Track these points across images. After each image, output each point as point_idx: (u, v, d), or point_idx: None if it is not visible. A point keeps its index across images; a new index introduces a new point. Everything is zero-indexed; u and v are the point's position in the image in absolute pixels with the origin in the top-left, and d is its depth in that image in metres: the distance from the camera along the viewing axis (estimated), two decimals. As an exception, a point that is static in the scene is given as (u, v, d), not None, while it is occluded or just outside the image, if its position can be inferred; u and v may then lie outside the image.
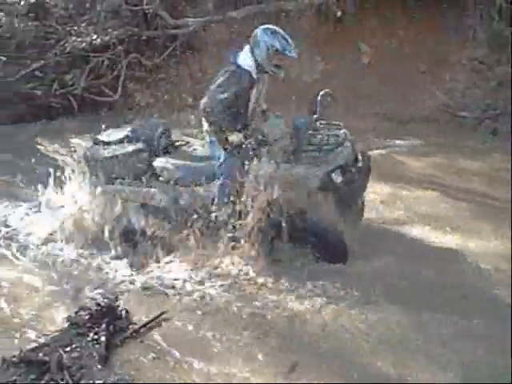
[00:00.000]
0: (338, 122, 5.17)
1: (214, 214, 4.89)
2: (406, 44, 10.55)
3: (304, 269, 4.74)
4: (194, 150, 5.45)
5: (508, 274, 4.73)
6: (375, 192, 6.23)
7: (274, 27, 4.92)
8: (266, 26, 4.97)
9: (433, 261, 5.04)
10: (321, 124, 5.09)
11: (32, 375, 3.50)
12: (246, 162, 4.75)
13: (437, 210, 6.25)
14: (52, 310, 4.33)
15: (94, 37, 10.06)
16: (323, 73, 10.78)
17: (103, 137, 5.42)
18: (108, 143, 5.29)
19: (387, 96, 10.03)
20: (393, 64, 10.44)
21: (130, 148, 5.18)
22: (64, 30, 10.12)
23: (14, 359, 3.59)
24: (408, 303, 4.35)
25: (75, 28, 10.18)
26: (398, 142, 8.86)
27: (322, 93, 5.01)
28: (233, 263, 4.79)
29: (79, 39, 9.96)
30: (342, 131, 5.04)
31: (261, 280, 4.65)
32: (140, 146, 5.19)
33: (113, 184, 5.18)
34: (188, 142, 5.58)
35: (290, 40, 4.86)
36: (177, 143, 5.54)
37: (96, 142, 5.39)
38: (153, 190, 5.11)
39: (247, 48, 4.94)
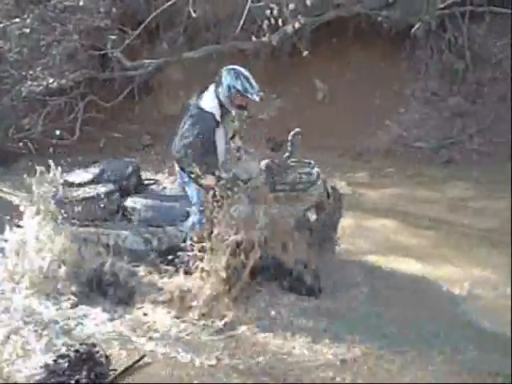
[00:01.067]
0: (309, 160, 5.26)
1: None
2: (360, 78, 10.77)
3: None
4: (164, 188, 5.47)
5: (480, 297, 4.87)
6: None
7: (240, 68, 5.00)
8: (232, 66, 5.04)
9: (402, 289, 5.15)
10: (292, 162, 5.16)
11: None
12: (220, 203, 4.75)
13: (400, 239, 6.36)
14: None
15: (51, 80, 10.03)
16: (280, 110, 10.94)
17: (72, 177, 5.34)
18: (78, 184, 5.22)
19: (343, 130, 10.16)
20: (348, 98, 10.65)
21: (102, 189, 5.12)
22: (19, 75, 10.03)
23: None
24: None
25: (31, 72, 10.10)
26: (356, 175, 9.00)
27: (292, 132, 5.11)
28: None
29: (35, 83, 9.90)
30: (314, 169, 5.13)
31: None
32: (111, 187, 5.15)
33: (85, 226, 5.12)
34: (157, 181, 5.59)
35: (253, 83, 4.91)
36: (146, 182, 5.53)
37: (65, 184, 5.28)
38: (124, 232, 5.06)
39: (211, 87, 5.03)
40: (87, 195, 5.11)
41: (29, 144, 9.92)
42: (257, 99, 4.91)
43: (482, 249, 5.91)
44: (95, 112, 10.71)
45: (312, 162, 5.25)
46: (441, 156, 9.47)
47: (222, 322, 4.58)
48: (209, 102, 4.98)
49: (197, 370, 4.09)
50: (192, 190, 5.00)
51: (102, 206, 5.09)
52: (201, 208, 4.92)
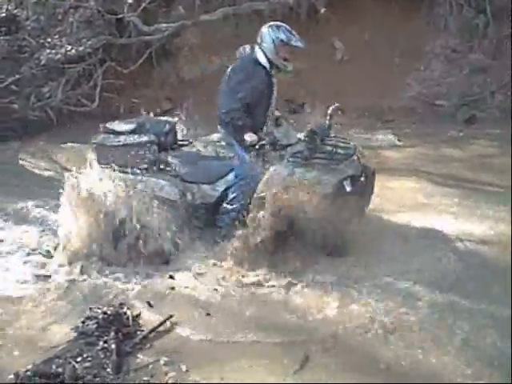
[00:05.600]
0: (344, 136, 5.35)
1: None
2: (378, 37, 10.66)
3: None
4: (198, 150, 5.54)
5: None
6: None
7: (278, 22, 5.16)
8: (271, 23, 5.18)
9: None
10: (330, 136, 5.19)
11: (48, 388, 3.51)
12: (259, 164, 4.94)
13: (422, 198, 6.34)
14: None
15: (69, 48, 10.04)
16: (297, 71, 10.84)
17: (113, 126, 5.32)
18: (119, 133, 5.23)
19: (363, 90, 10.07)
20: (367, 58, 10.55)
21: (143, 138, 5.16)
22: (37, 43, 10.05)
23: (28, 373, 3.58)
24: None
25: (49, 40, 10.12)
26: (378, 136, 8.96)
27: (332, 107, 5.13)
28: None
29: (53, 51, 9.91)
30: (352, 143, 5.19)
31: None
32: (152, 137, 5.18)
33: (124, 172, 5.11)
34: (191, 142, 5.63)
35: (294, 31, 5.06)
36: (180, 142, 5.58)
37: (106, 131, 5.28)
38: (162, 181, 5.12)
39: (257, 47, 5.14)
40: (128, 142, 5.15)
41: (49, 112, 9.93)
42: (301, 45, 5.07)
43: (504, 206, 5.86)
44: (114, 78, 10.70)
45: (347, 138, 5.33)
46: (462, 114, 9.39)
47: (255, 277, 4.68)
48: (261, 57, 5.10)
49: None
50: (239, 150, 5.12)
51: (142, 153, 5.13)
52: (247, 168, 5.05)
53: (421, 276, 4.60)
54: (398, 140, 8.72)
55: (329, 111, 5.11)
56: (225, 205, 5.12)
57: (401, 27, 10.44)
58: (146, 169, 5.15)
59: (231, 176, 5.16)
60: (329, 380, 3.53)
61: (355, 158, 5.11)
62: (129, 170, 5.08)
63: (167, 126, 5.40)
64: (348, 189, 4.84)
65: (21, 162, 8.46)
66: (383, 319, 4.07)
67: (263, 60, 5.07)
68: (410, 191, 6.54)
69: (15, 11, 10.33)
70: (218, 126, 5.31)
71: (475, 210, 5.89)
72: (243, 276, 4.71)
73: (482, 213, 5.80)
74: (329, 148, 5.03)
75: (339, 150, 5.04)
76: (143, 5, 10.27)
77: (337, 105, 5.18)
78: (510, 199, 5.74)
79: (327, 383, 3.51)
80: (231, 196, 5.09)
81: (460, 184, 6.69)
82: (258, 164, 5.02)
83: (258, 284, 4.64)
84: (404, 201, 6.24)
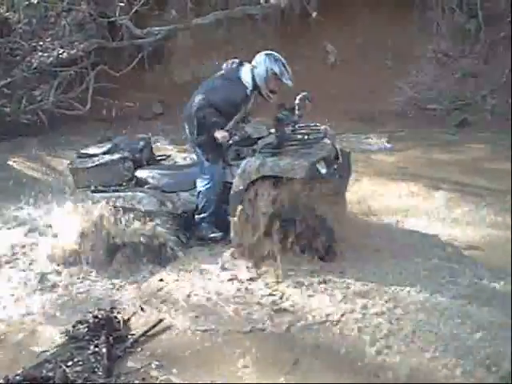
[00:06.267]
0: (316, 123, 5.27)
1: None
2: (370, 41, 10.68)
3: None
4: (175, 162, 5.59)
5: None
6: (353, 188, 6.30)
7: (277, 54, 5.18)
8: (270, 52, 5.22)
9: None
10: (300, 125, 5.19)
11: (38, 392, 3.49)
12: (231, 160, 5.05)
13: (413, 201, 6.35)
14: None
15: (61, 51, 10.03)
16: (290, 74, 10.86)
17: (87, 150, 5.52)
18: (93, 155, 5.37)
19: (355, 93, 10.11)
20: (359, 61, 10.58)
21: (116, 156, 5.28)
22: (29, 46, 10.04)
23: (18, 377, 3.56)
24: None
25: (41, 43, 10.11)
26: (370, 140, 8.96)
27: (299, 96, 5.12)
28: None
29: (46, 54, 9.90)
30: (322, 127, 5.17)
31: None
32: (126, 153, 5.30)
33: (100, 192, 5.21)
34: (169, 156, 5.73)
35: (288, 69, 5.11)
36: (158, 157, 5.70)
37: (80, 156, 5.46)
38: (140, 194, 5.16)
39: (248, 66, 5.20)
40: (102, 161, 5.27)
41: (41, 115, 9.91)
42: (290, 84, 5.12)
43: (495, 210, 5.87)
44: (106, 81, 10.69)
45: (318, 124, 5.28)
46: (454, 117, 9.41)
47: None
48: (247, 77, 5.16)
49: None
50: (200, 154, 5.20)
51: (117, 171, 5.23)
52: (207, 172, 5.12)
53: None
54: (390, 144, 8.71)
55: (296, 100, 5.09)
56: (196, 216, 5.17)
57: (393, 31, 10.48)
58: (123, 184, 5.24)
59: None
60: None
61: (327, 140, 5.12)
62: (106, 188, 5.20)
63: (141, 143, 5.53)
64: (323, 171, 4.83)
65: (11, 164, 8.44)
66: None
67: (248, 80, 5.13)
68: (401, 195, 6.54)
69: (7, 14, 10.31)
70: (183, 124, 5.35)
71: (467, 213, 5.90)
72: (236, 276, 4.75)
73: (474, 216, 5.81)
74: (299, 136, 5.05)
75: (310, 136, 5.05)
76: (135, 8, 10.28)
77: (305, 93, 5.15)
78: (510, 201, 5.78)
79: (324, 383, 3.51)
80: (200, 206, 5.15)
81: (452, 188, 6.69)
82: (223, 166, 5.11)
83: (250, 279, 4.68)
84: (394, 204, 6.23)
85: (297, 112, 5.11)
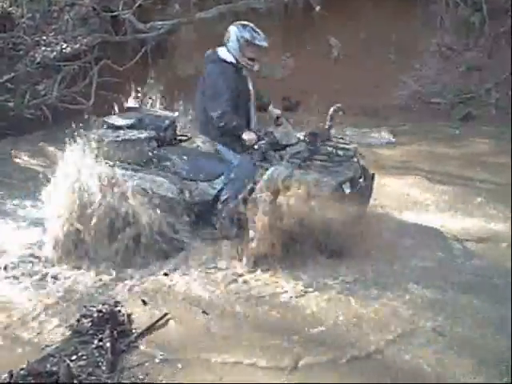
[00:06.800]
0: (344, 138, 5.35)
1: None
2: (374, 35, 10.65)
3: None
4: (197, 146, 5.46)
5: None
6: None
7: (244, 22, 5.17)
8: (238, 22, 5.21)
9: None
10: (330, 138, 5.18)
11: (42, 387, 3.49)
12: (257, 163, 4.93)
13: (417, 195, 6.35)
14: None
15: (64, 46, 10.01)
16: (293, 68, 10.86)
17: (112, 120, 5.29)
18: (117, 127, 5.17)
19: (359, 88, 10.08)
20: (362, 55, 10.55)
21: (143, 134, 5.10)
22: (32, 41, 10.01)
23: (22, 372, 3.56)
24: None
25: (44, 38, 10.08)
26: (374, 134, 8.94)
27: (334, 107, 5.13)
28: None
29: (49, 49, 9.88)
30: (352, 145, 5.20)
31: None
32: (152, 133, 5.13)
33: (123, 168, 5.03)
34: (191, 137, 5.56)
35: (259, 31, 5.06)
36: (180, 137, 5.53)
37: (106, 125, 5.24)
38: (160, 178, 5.03)
39: (222, 47, 5.15)
40: (127, 137, 5.08)
41: (44, 109, 9.88)
42: (265, 44, 5.05)
43: (499, 204, 5.86)
44: (109, 76, 10.66)
45: (347, 139, 5.37)
46: (458, 111, 9.40)
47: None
48: (224, 54, 5.13)
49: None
50: (227, 153, 5.13)
51: (141, 150, 5.06)
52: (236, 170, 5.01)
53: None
54: (393, 138, 8.70)
55: (330, 112, 5.11)
56: (219, 205, 5.06)
57: (396, 25, 10.45)
58: (144, 165, 5.08)
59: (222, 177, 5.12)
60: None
61: (355, 159, 5.10)
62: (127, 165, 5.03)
63: (167, 121, 5.36)
64: (347, 191, 4.82)
65: (15, 159, 8.43)
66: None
67: (229, 57, 5.09)
68: (405, 189, 6.54)
69: (10, 9, 10.27)
70: (201, 136, 5.29)
71: (471, 207, 5.89)
72: (240, 275, 4.70)
73: (478, 210, 5.80)
74: (329, 149, 5.02)
75: (339, 152, 5.03)
76: (138, 2, 10.23)
77: (338, 105, 5.17)
78: (511, 196, 5.77)
79: (326, 383, 3.50)
80: (224, 197, 5.03)
81: (456, 182, 6.69)
82: (253, 162, 4.99)
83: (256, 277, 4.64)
84: (399, 198, 6.23)
85: (328, 122, 5.13)
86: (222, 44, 5.18)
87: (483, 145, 8.07)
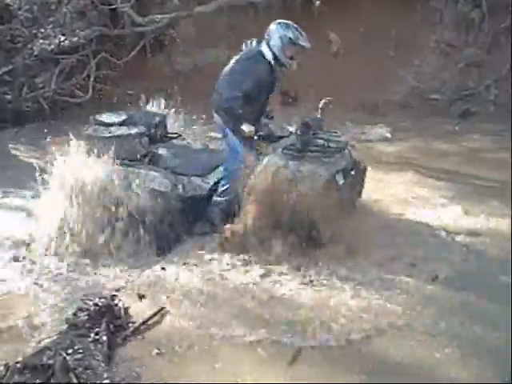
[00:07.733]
0: (335, 130, 5.42)
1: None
2: (373, 30, 10.63)
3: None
4: (188, 143, 5.53)
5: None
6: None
7: (287, 21, 5.16)
8: (280, 20, 5.19)
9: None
10: (322, 130, 5.24)
11: (38, 380, 3.46)
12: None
13: (416, 191, 6.33)
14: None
15: (62, 38, 9.98)
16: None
17: (103, 118, 5.34)
18: (109, 124, 5.23)
19: (358, 83, 10.07)
20: (362, 51, 10.51)
21: (134, 130, 5.17)
22: (30, 33, 9.98)
23: (18, 365, 3.55)
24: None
25: (42, 31, 10.06)
26: (372, 130, 8.93)
27: (324, 100, 5.21)
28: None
29: (47, 41, 9.86)
30: (343, 137, 5.25)
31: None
32: (143, 129, 5.20)
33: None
34: (180, 135, 5.63)
35: (302, 32, 5.10)
36: (170, 135, 5.61)
37: (97, 123, 5.30)
38: (153, 172, 5.08)
39: (264, 43, 5.17)
40: (118, 134, 5.13)
41: (42, 102, 9.87)
42: (308, 46, 5.12)
43: (497, 200, 5.86)
44: (107, 69, 10.65)
45: (337, 131, 5.41)
46: (457, 108, 9.38)
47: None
48: (265, 50, 5.14)
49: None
50: (233, 140, 5.15)
51: (133, 146, 5.13)
52: (240, 158, 5.05)
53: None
54: (392, 134, 8.69)
55: (320, 105, 5.17)
56: (215, 197, 5.15)
57: (396, 21, 10.42)
58: (137, 160, 5.14)
59: (222, 168, 5.19)
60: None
61: (347, 151, 5.15)
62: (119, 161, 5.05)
63: (157, 118, 5.45)
64: (341, 182, 4.83)
65: (13, 152, 8.42)
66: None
67: (269, 55, 5.09)
68: (403, 185, 6.53)
69: (8, 1, 10.24)
70: (214, 114, 5.30)
71: (469, 204, 5.88)
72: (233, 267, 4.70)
73: (476, 206, 5.80)
74: (321, 141, 5.04)
75: (331, 144, 5.05)
76: (137, -5, 10.23)
77: (328, 98, 5.22)
78: (511, 191, 5.77)
79: (324, 383, 3.48)
80: (222, 188, 5.13)
81: (454, 178, 6.68)
82: (252, 154, 5.05)
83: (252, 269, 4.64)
84: (397, 194, 6.22)
85: (319, 116, 5.21)
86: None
87: (482, 141, 8.05)
